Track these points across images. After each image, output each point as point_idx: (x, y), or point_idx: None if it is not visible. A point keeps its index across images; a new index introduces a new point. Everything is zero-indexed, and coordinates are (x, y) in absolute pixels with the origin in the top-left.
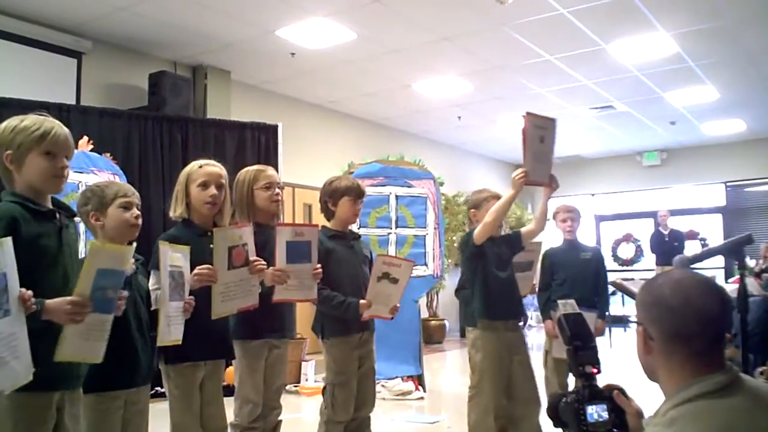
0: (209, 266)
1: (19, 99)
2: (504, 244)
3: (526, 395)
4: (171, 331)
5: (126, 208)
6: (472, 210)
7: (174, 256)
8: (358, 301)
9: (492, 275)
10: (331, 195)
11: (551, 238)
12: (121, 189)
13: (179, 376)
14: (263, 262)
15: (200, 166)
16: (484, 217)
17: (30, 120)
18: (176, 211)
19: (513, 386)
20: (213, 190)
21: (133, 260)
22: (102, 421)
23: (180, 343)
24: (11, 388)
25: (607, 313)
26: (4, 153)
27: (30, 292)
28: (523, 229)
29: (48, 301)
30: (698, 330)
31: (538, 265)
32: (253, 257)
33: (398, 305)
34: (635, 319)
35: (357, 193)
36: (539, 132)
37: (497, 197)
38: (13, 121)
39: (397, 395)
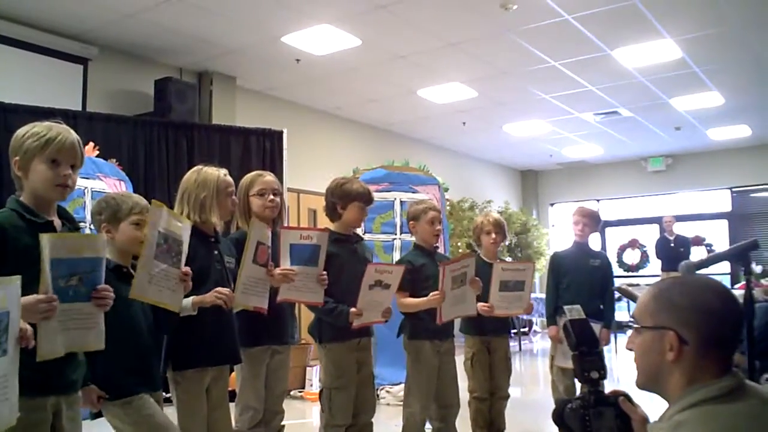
0: (231, 292)
1: (25, 105)
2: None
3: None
4: (149, 288)
5: (138, 224)
6: (411, 222)
7: (173, 223)
8: (349, 309)
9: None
10: (341, 197)
11: (561, 244)
12: (136, 205)
13: (186, 381)
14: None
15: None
16: (422, 228)
17: (40, 126)
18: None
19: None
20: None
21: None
22: (144, 420)
23: (177, 310)
24: None
25: (612, 323)
26: (14, 159)
27: (30, 330)
28: None
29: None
30: (733, 335)
31: (530, 283)
32: (271, 262)
33: (390, 307)
34: (646, 324)
35: (367, 200)
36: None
37: (434, 209)
38: (25, 128)
39: (401, 401)
